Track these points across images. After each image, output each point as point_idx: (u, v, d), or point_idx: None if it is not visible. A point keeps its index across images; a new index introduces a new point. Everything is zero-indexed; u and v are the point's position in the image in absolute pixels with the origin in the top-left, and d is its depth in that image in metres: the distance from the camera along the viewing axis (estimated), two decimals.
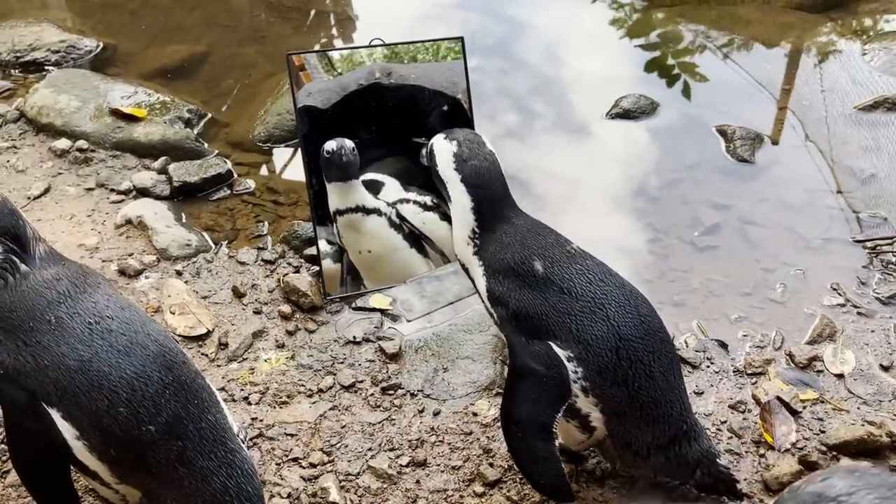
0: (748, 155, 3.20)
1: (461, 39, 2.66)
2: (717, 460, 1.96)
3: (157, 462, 1.62)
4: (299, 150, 3.31)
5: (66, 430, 1.63)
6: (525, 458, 1.95)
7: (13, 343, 1.66)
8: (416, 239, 2.73)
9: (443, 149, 2.11)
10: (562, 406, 1.89)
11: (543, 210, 2.97)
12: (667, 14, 4.26)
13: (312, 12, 4.49)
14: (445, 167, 2.10)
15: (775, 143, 3.31)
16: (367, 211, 2.65)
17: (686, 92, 3.64)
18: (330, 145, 2.58)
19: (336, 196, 2.64)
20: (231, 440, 1.71)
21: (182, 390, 1.66)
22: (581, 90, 3.71)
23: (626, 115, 3.45)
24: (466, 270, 2.13)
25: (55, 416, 1.63)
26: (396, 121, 2.69)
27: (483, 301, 2.08)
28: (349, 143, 2.60)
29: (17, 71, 3.82)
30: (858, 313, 2.56)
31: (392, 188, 2.74)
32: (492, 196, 2.06)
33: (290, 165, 3.30)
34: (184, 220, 2.95)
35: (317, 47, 4.17)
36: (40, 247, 1.80)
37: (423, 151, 2.25)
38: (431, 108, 2.71)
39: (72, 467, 1.76)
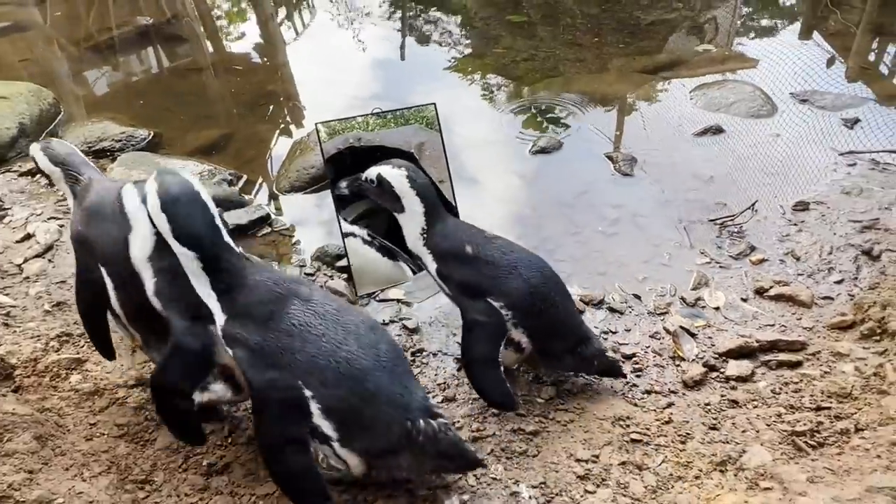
0: (629, 171, 3.40)
1: (434, 105, 2.77)
2: (606, 353, 2.12)
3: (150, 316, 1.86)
4: (319, 193, 3.38)
5: (108, 283, 1.91)
6: (484, 383, 2.05)
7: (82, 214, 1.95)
8: (388, 250, 2.74)
9: (395, 174, 2.11)
10: (502, 340, 2.01)
11: (493, 215, 3.09)
12: (551, 84, 4.47)
13: (271, 108, 4.50)
14: (402, 186, 2.10)
15: (644, 161, 3.53)
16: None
17: (580, 135, 3.84)
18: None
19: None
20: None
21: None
22: (503, 141, 3.86)
23: (544, 150, 3.61)
24: (418, 259, 2.17)
25: (104, 272, 1.90)
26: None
27: (434, 278, 2.14)
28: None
29: (90, 157, 3.68)
30: (720, 267, 2.76)
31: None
32: (433, 202, 2.13)
33: (311, 207, 3.33)
34: (242, 251, 2.93)
35: (278, 131, 4.16)
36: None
37: (366, 179, 2.18)
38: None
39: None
